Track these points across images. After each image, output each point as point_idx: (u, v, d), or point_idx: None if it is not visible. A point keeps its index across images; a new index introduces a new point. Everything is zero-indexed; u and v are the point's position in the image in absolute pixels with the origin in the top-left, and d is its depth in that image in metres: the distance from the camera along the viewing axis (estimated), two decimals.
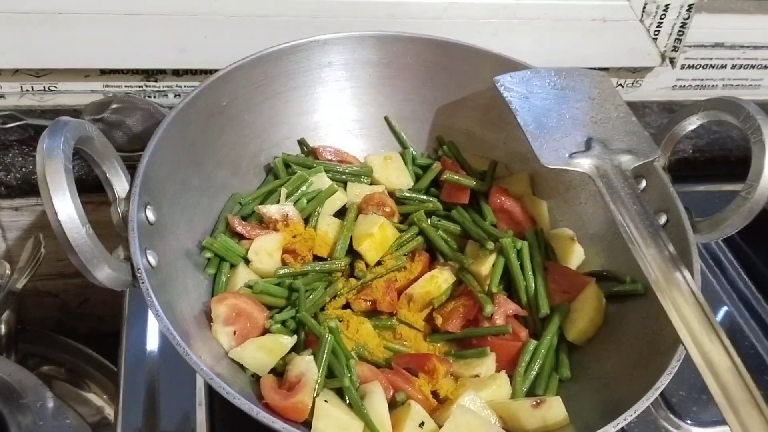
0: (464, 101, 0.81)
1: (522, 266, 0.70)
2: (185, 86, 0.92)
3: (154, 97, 0.92)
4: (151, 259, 0.58)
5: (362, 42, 0.78)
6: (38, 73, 0.87)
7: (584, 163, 0.66)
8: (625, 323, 0.66)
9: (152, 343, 0.75)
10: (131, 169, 0.63)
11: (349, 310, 0.69)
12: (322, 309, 0.68)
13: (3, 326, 0.83)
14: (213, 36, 0.87)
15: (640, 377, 0.58)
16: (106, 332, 0.96)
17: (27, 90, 0.88)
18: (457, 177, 0.75)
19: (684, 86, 1.07)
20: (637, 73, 1.03)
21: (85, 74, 0.88)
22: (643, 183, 0.71)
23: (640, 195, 0.64)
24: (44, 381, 0.79)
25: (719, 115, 0.68)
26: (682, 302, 0.58)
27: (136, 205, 0.59)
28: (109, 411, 0.91)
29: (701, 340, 0.55)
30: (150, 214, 0.61)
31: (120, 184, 0.61)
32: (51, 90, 0.89)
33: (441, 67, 0.81)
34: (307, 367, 0.58)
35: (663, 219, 0.68)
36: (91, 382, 0.94)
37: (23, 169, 0.82)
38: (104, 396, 0.91)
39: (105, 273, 0.54)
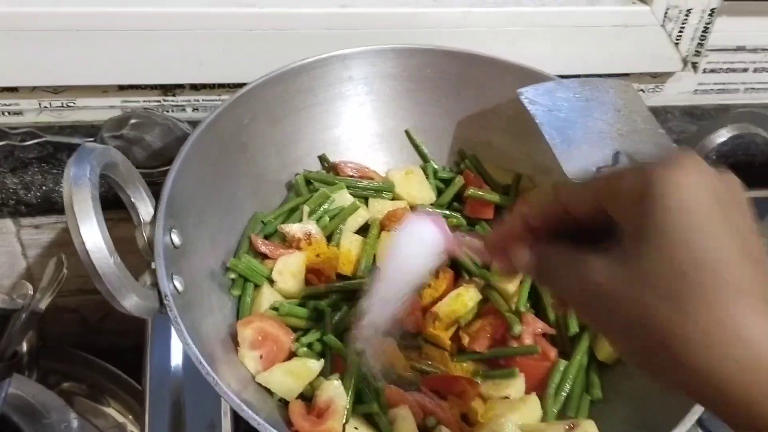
0: (486, 113, 0.80)
1: None
2: (203, 100, 0.92)
3: (172, 111, 0.92)
4: (177, 284, 0.58)
5: (382, 55, 0.78)
6: (56, 90, 0.87)
7: None
8: None
9: (176, 359, 0.74)
10: (152, 185, 0.63)
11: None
12: (347, 329, 0.68)
13: (25, 344, 0.83)
14: (231, 50, 0.86)
15: (675, 398, 0.57)
16: (126, 347, 0.96)
17: (45, 107, 0.88)
18: (481, 192, 0.74)
19: (706, 90, 1.06)
20: (659, 78, 1.02)
21: (104, 90, 0.88)
22: None
23: None
24: (65, 397, 0.79)
25: (749, 128, 0.67)
26: None
27: (162, 230, 0.58)
28: (131, 428, 0.91)
29: None
30: (175, 238, 0.60)
31: (145, 208, 0.61)
32: (69, 106, 0.88)
33: (462, 79, 0.80)
34: (335, 392, 0.58)
35: None
36: (110, 398, 0.94)
37: (43, 187, 0.82)
38: (126, 413, 0.91)
39: (132, 301, 0.53)
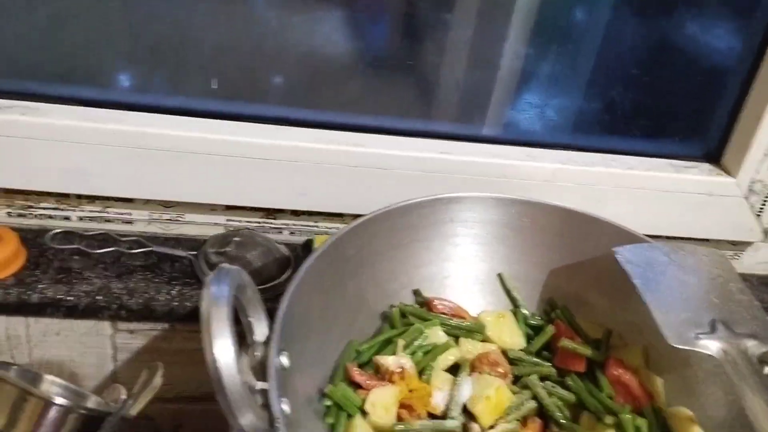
0: (577, 266, 0.83)
1: None
2: (300, 224, 0.97)
3: (270, 232, 0.96)
4: (285, 407, 0.59)
5: (483, 202, 0.82)
6: (168, 204, 0.93)
7: (711, 346, 0.66)
8: None
9: None
10: None
11: None
12: None
13: None
14: (333, 182, 0.92)
15: None
16: None
17: (155, 218, 0.94)
18: (574, 345, 0.75)
19: None
20: (738, 246, 1.04)
21: (211, 208, 0.93)
22: (767, 370, 0.70)
23: None
24: None
25: None
26: None
27: (275, 351, 0.61)
28: None
29: None
30: (284, 360, 0.62)
31: (260, 329, 0.63)
32: (177, 220, 0.94)
33: (555, 231, 0.83)
34: None
35: None
36: None
37: (145, 295, 0.86)
38: None
39: (249, 420, 0.55)
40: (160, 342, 0.90)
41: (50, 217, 0.91)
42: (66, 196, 0.90)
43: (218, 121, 0.91)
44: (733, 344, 0.67)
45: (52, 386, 0.79)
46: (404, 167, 0.92)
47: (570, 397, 0.74)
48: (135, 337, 0.89)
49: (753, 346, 0.67)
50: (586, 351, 0.75)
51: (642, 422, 0.70)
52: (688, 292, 0.72)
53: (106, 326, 0.88)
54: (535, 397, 0.73)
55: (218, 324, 0.53)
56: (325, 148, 0.91)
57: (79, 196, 0.90)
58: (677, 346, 0.66)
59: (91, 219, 0.92)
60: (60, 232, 0.90)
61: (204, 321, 0.54)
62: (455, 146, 0.96)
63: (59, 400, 0.70)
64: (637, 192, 0.97)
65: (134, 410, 0.76)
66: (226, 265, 0.58)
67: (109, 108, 0.88)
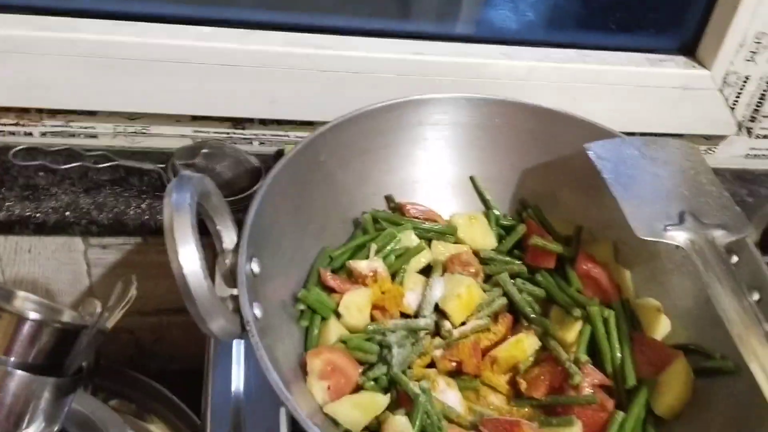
0: (550, 165, 0.82)
1: (608, 335, 0.70)
2: (270, 135, 0.95)
3: (239, 143, 0.95)
4: (257, 311, 0.60)
5: (454, 104, 0.80)
6: (132, 116, 0.90)
7: (679, 237, 0.67)
8: (714, 401, 0.66)
9: (236, 385, 0.75)
10: None
11: (434, 370, 0.70)
12: (410, 366, 0.69)
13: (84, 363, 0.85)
14: (303, 89, 0.89)
15: None
16: (176, 371, 0.98)
17: (120, 132, 0.91)
18: (544, 242, 0.76)
19: (758, 155, 1.07)
20: (712, 140, 1.04)
21: (177, 119, 0.91)
22: (734, 259, 0.71)
23: (734, 272, 0.64)
24: None
25: None
26: None
27: (244, 257, 0.61)
28: None
29: None
30: (255, 267, 0.63)
31: (229, 237, 0.63)
32: (142, 133, 0.92)
33: (528, 131, 0.82)
34: (403, 428, 0.59)
35: (756, 296, 0.68)
36: (158, 419, 0.95)
37: (114, 209, 0.85)
38: None
39: (219, 324, 0.55)
40: (134, 256, 0.90)
41: (12, 133, 0.89)
42: (26, 110, 0.87)
43: (182, 26, 0.87)
44: (701, 234, 0.67)
45: (25, 302, 0.79)
46: (376, 70, 0.90)
47: (540, 292, 0.75)
48: (108, 252, 0.89)
49: (720, 236, 0.68)
50: (557, 248, 0.76)
51: (610, 313, 0.71)
52: (658, 185, 0.72)
53: (77, 242, 0.87)
54: (506, 294, 0.74)
55: (181, 230, 0.53)
56: (293, 51, 0.88)
57: (40, 111, 0.88)
58: (645, 238, 0.67)
59: (55, 134, 0.90)
60: (23, 149, 0.88)
61: (167, 228, 0.53)
62: (428, 46, 0.93)
63: (32, 315, 0.70)
64: (613, 88, 0.95)
65: (110, 323, 0.76)
66: (187, 172, 0.57)
67: (67, 16, 0.84)
